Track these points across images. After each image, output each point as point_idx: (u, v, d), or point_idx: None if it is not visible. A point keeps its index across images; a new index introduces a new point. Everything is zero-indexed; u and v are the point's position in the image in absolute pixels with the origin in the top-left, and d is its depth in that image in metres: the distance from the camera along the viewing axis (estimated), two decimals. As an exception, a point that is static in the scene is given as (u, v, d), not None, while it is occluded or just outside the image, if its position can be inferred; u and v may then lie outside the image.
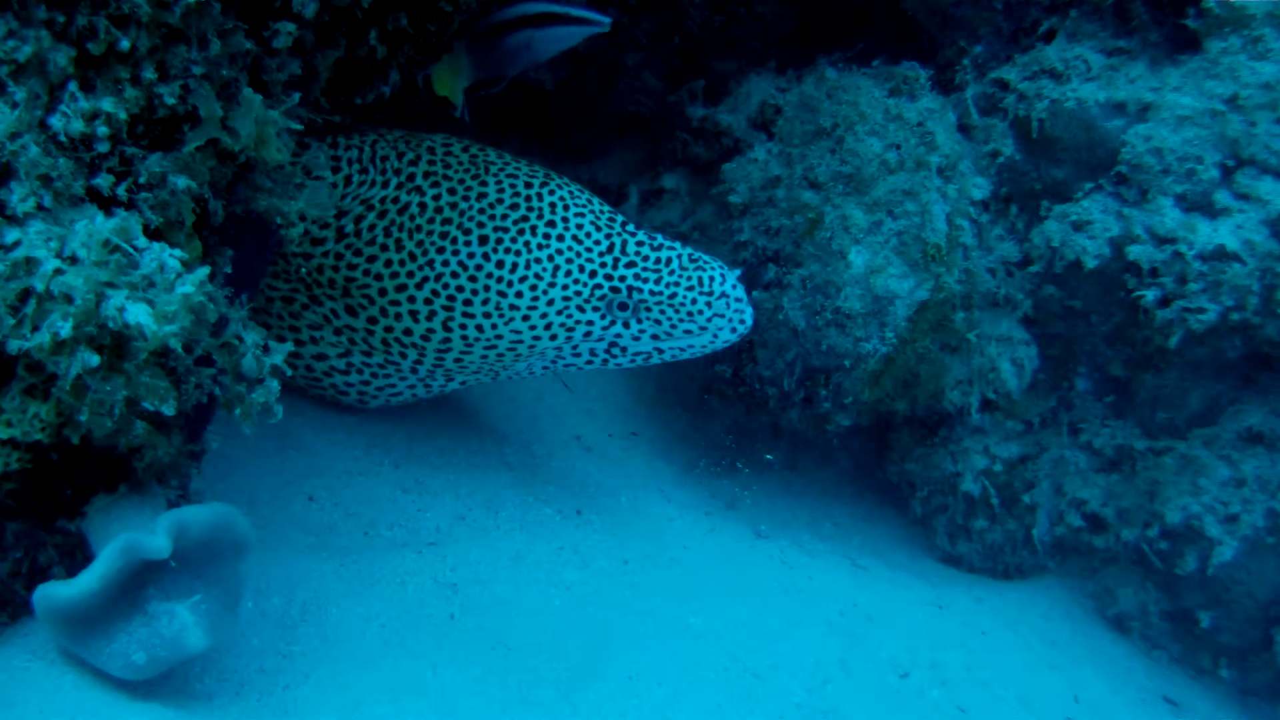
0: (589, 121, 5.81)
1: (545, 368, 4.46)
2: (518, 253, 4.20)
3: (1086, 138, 4.73)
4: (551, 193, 4.28)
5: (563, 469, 4.93)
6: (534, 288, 4.20)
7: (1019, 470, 5.05)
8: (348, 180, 4.32)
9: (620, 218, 4.33)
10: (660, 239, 4.26)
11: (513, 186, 4.28)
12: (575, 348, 4.34)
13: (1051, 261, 4.77)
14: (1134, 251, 4.58)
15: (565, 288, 4.20)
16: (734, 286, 4.21)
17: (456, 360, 4.37)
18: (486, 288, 4.22)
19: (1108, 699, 4.66)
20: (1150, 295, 4.60)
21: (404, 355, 4.40)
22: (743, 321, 4.21)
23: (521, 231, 4.22)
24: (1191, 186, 4.56)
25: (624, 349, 4.33)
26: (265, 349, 3.37)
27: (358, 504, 4.43)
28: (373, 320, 4.36)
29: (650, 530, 4.67)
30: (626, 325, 4.27)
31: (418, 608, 3.99)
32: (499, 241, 4.21)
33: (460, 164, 4.36)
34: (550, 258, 4.20)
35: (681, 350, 4.31)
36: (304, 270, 4.41)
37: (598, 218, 4.27)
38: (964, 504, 5.11)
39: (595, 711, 3.77)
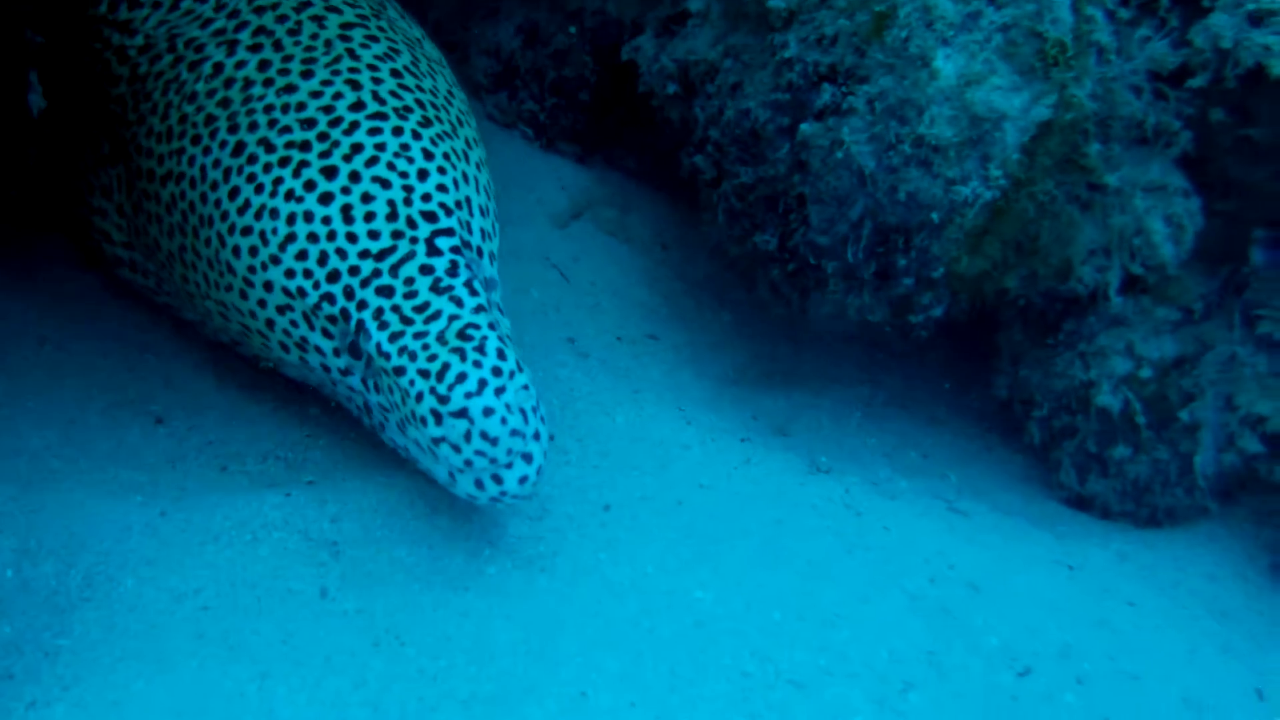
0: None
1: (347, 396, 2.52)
2: (259, 187, 2.34)
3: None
4: (376, 131, 2.36)
5: (539, 380, 2.76)
6: (254, 251, 2.33)
7: (1174, 377, 3.08)
8: (175, 3, 2.62)
9: (461, 219, 2.36)
10: (462, 278, 2.26)
11: (336, 96, 2.40)
12: (332, 380, 2.42)
13: (1220, 72, 2.78)
14: (1340, 51, 2.69)
15: (290, 274, 2.30)
16: (490, 409, 2.14)
17: (212, 313, 2.53)
18: (211, 220, 2.38)
19: (1300, 690, 2.80)
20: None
21: (167, 274, 2.63)
22: (495, 478, 2.17)
23: (285, 162, 2.34)
24: None
25: (382, 424, 2.39)
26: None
27: (226, 428, 2.65)
28: (136, 207, 2.63)
29: (653, 462, 2.74)
30: (366, 386, 2.34)
31: (270, 579, 2.22)
32: (251, 160, 2.36)
33: (318, 34, 2.50)
34: (291, 219, 2.30)
35: (429, 471, 2.32)
36: (101, 114, 2.70)
37: (409, 199, 2.31)
38: (1099, 425, 3.12)
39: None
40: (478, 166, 2.53)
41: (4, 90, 2.29)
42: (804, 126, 2.83)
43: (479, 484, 2.19)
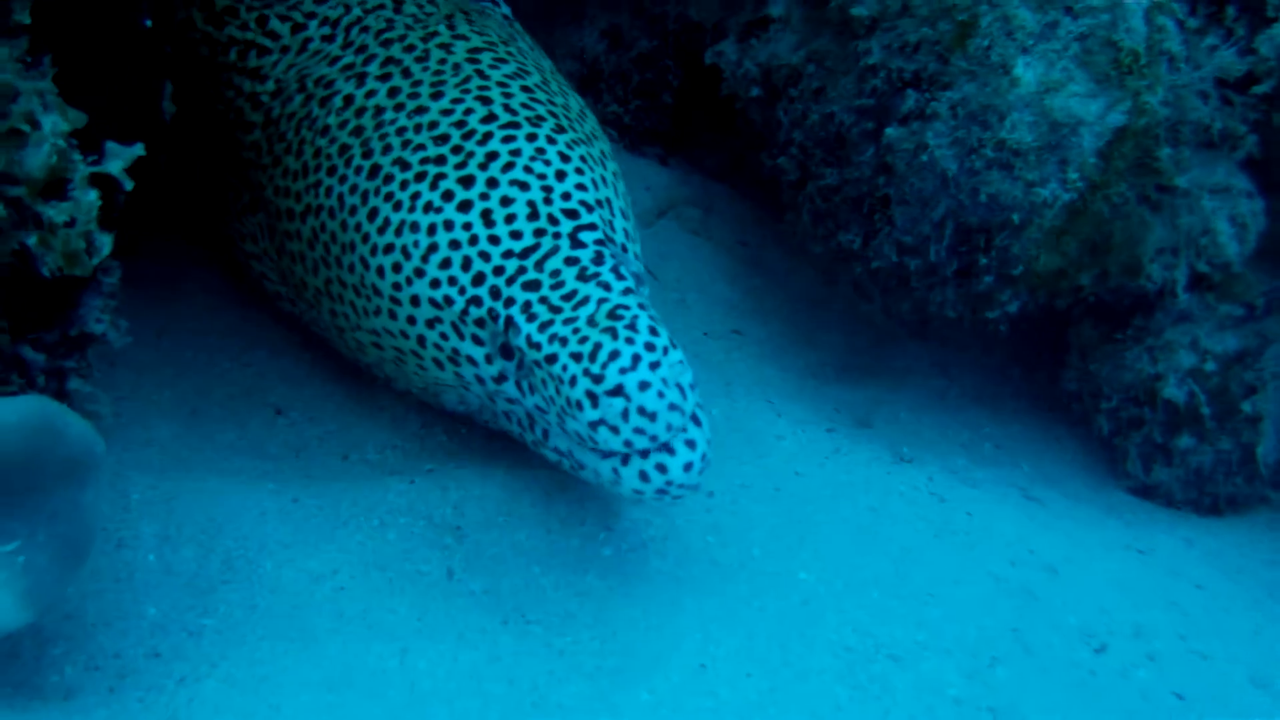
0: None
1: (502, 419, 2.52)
2: (397, 205, 2.35)
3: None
4: (510, 139, 2.36)
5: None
6: (397, 268, 2.34)
7: (1237, 370, 3.15)
8: (303, 45, 2.68)
9: (603, 217, 2.37)
10: (608, 265, 2.28)
11: (468, 112, 2.40)
12: (490, 394, 2.41)
13: (1285, 78, 2.96)
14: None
15: (435, 284, 2.31)
16: (646, 383, 2.11)
17: (365, 345, 2.56)
18: (353, 245, 2.40)
19: (1359, 670, 2.88)
20: None
21: (316, 313, 2.67)
22: (660, 466, 2.13)
23: (421, 177, 2.35)
24: None
25: (545, 432, 2.36)
26: (75, 141, 1.83)
27: (342, 419, 2.75)
28: (280, 250, 2.67)
29: (750, 451, 2.84)
30: (521, 390, 2.32)
31: (400, 561, 2.34)
32: (387, 180, 2.38)
33: (446, 59, 2.53)
34: (432, 229, 2.32)
35: (581, 467, 2.30)
36: (241, 158, 2.75)
37: (549, 199, 2.31)
38: (1165, 416, 3.21)
39: (645, 720, 2.19)
40: (615, 175, 2.55)
41: (142, 96, 2.40)
42: (889, 130, 2.94)
43: (643, 476, 2.16)
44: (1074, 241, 2.87)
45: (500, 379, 2.33)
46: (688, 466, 2.13)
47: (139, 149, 1.86)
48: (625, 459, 2.15)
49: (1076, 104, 2.77)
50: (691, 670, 2.18)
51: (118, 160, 1.83)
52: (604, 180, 2.45)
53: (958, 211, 2.87)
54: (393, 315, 2.39)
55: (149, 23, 1.98)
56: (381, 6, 2.71)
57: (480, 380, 2.37)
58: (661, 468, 2.12)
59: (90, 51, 1.88)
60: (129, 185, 1.85)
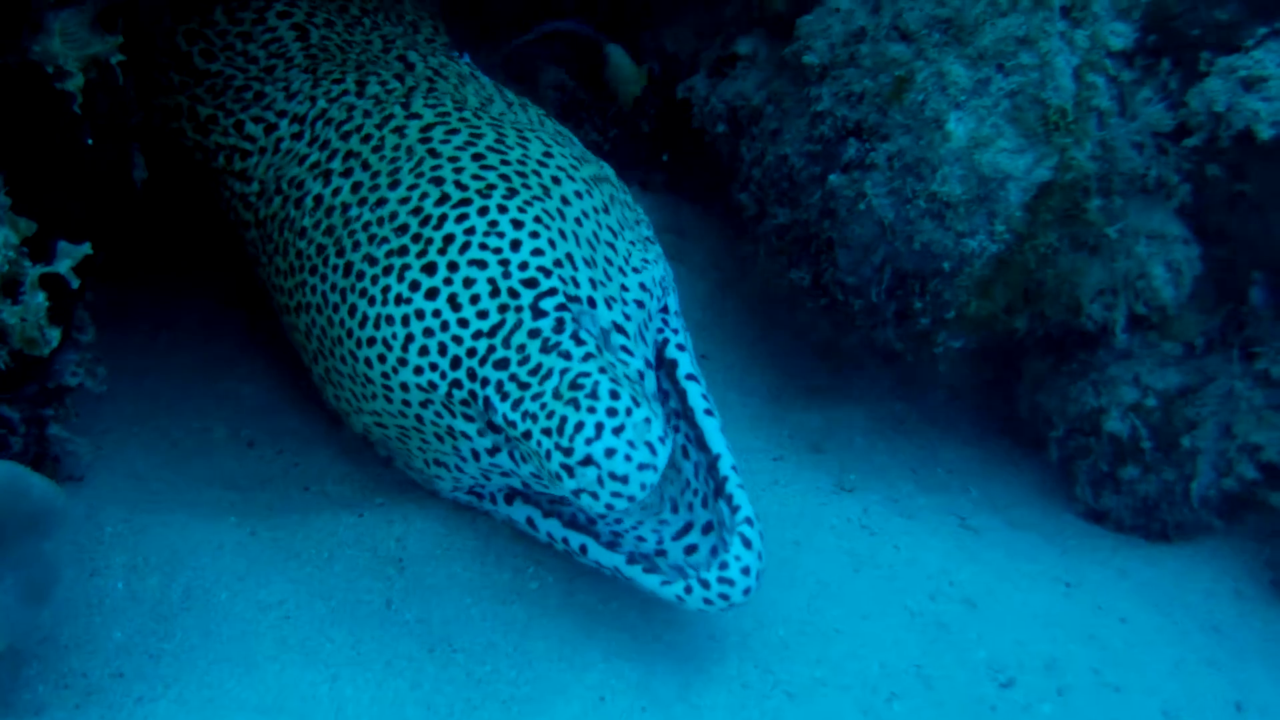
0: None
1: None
2: (371, 300, 2.54)
3: (1259, -37, 3.02)
4: (463, 218, 2.53)
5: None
6: (382, 359, 2.55)
7: (1178, 405, 3.34)
8: (276, 145, 2.90)
9: (564, 275, 2.52)
10: (568, 331, 2.43)
11: (423, 197, 2.58)
12: (484, 470, 2.63)
13: (1215, 132, 3.04)
14: (1324, 116, 2.93)
15: (419, 371, 2.51)
16: (612, 449, 2.28)
17: (370, 427, 2.79)
18: (341, 340, 2.63)
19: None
20: (1342, 179, 2.94)
21: (323, 389, 2.89)
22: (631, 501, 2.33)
23: (388, 270, 2.54)
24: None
25: (538, 487, 2.59)
26: (26, 249, 2.12)
27: (308, 452, 3.07)
28: (288, 338, 2.94)
29: None
30: (514, 460, 2.53)
31: (343, 591, 2.65)
32: (359, 277, 2.58)
33: (399, 144, 2.71)
34: (405, 320, 2.51)
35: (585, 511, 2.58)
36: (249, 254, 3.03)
37: (507, 272, 2.47)
38: (1110, 447, 3.41)
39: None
40: (578, 220, 2.68)
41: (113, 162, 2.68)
42: (832, 177, 3.16)
43: (640, 538, 2.47)
44: (1003, 289, 3.07)
45: (494, 450, 2.55)
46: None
47: (86, 248, 2.14)
48: (609, 509, 2.33)
49: (1005, 159, 2.96)
50: (591, 702, 2.47)
51: (67, 260, 2.12)
52: (563, 234, 2.60)
53: (894, 258, 3.08)
54: (388, 400, 2.63)
55: (90, 141, 2.26)
56: (346, 93, 2.93)
57: (476, 454, 2.59)
58: (625, 495, 2.30)
59: (41, 160, 2.17)
60: (75, 284, 2.13)
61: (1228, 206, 3.16)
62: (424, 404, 2.56)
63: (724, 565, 2.34)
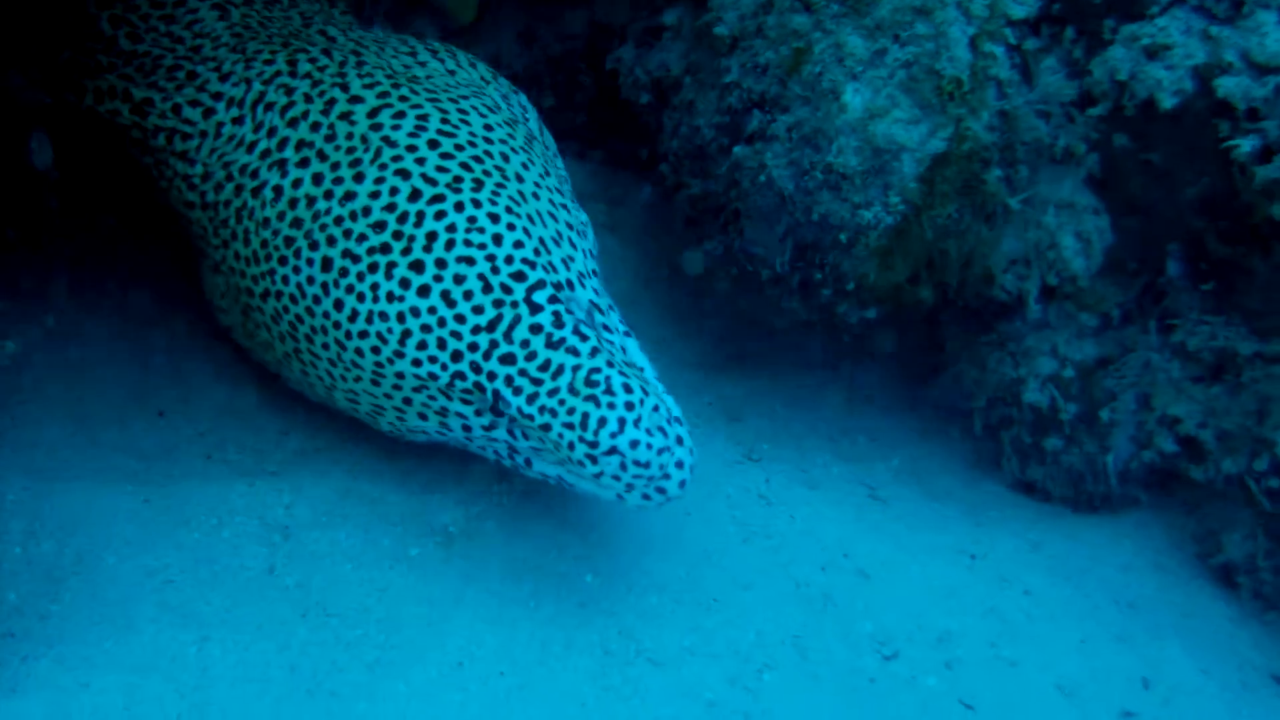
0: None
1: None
2: (360, 296, 2.69)
3: (1161, -71, 3.09)
4: (441, 215, 2.68)
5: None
6: (376, 350, 2.70)
7: (1098, 377, 3.38)
8: (217, 130, 3.00)
9: (545, 263, 2.69)
10: (569, 325, 2.60)
11: (393, 192, 2.72)
12: (470, 438, 2.82)
13: (1120, 101, 3.07)
14: (1224, 85, 2.89)
15: (417, 363, 2.67)
16: (636, 440, 2.52)
17: (336, 398, 2.95)
18: (324, 329, 2.78)
19: (1192, 681, 3.05)
20: (1246, 146, 2.90)
21: (284, 368, 3.05)
22: (659, 490, 2.56)
23: (374, 268, 2.69)
24: (1306, -5, 2.89)
25: (528, 461, 2.77)
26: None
27: (215, 421, 3.21)
28: (245, 314, 3.05)
29: None
30: (513, 435, 2.72)
31: (227, 557, 2.80)
32: (343, 273, 2.72)
33: (352, 133, 2.82)
34: (401, 317, 2.67)
35: (593, 495, 2.73)
36: (192, 231, 3.15)
37: (495, 268, 2.64)
38: (1031, 417, 3.47)
39: (401, 715, 2.54)
40: (535, 196, 2.83)
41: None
42: (737, 149, 3.24)
43: (646, 497, 2.61)
44: (902, 260, 3.13)
45: (491, 428, 2.74)
46: (681, 484, 2.59)
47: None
48: (629, 487, 2.59)
49: (899, 130, 3.02)
50: (450, 665, 2.61)
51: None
52: (533, 219, 2.76)
53: (795, 229, 3.15)
54: (375, 383, 2.80)
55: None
56: (279, 74, 3.04)
57: (467, 429, 2.79)
58: (661, 490, 2.58)
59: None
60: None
61: (1137, 176, 3.17)
62: (417, 389, 2.74)
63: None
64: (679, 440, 2.57)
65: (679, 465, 2.55)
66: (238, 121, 3.00)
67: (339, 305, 2.72)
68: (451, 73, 3.16)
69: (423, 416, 2.80)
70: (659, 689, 2.65)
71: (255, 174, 2.90)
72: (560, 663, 2.64)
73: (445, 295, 2.63)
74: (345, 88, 2.93)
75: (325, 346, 2.79)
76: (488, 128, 2.90)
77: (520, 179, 2.82)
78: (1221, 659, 3.17)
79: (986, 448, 3.66)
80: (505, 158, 2.84)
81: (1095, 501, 3.53)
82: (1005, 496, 3.57)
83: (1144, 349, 3.32)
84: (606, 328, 2.75)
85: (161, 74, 3.16)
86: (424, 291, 2.64)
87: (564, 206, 2.89)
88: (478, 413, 2.71)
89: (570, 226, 2.86)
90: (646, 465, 2.54)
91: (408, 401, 2.78)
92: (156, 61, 3.19)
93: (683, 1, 3.66)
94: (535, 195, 2.81)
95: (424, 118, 2.86)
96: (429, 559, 2.83)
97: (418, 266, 2.65)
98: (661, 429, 2.56)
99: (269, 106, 2.97)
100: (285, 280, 2.81)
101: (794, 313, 3.35)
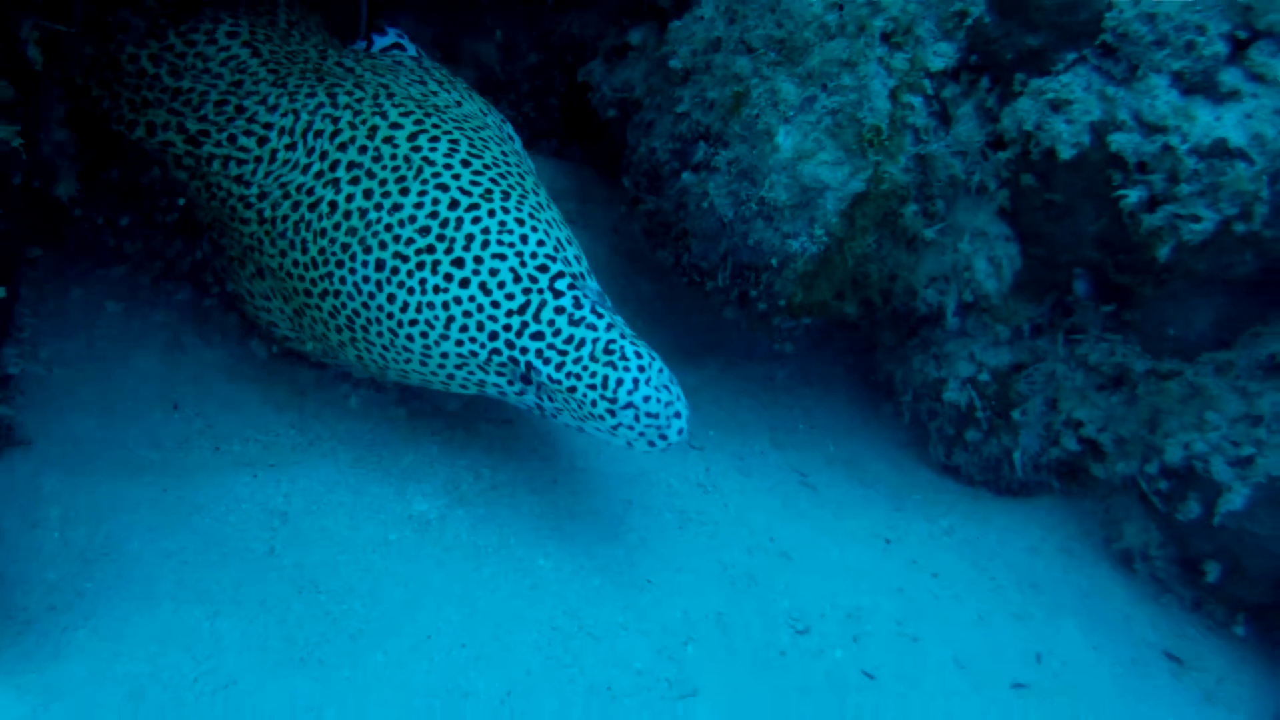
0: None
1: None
2: (410, 290, 3.30)
3: (1065, -5, 3.58)
4: (477, 220, 3.29)
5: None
6: (425, 335, 3.32)
7: (1012, 380, 3.92)
8: (272, 156, 3.55)
9: (562, 258, 3.31)
10: (587, 306, 3.23)
11: (435, 203, 3.32)
12: (502, 395, 3.47)
13: (1026, 147, 3.56)
14: (1117, 141, 3.36)
15: (460, 344, 3.30)
16: (648, 396, 3.14)
17: (389, 374, 3.59)
18: (379, 320, 3.38)
19: (1083, 656, 3.59)
20: (1134, 196, 3.38)
21: (338, 354, 3.66)
22: (662, 436, 3.19)
23: (421, 265, 3.29)
24: (1191, 63, 3.29)
25: (554, 414, 3.40)
26: None
27: (223, 415, 3.77)
28: (299, 313, 3.62)
29: (545, 445, 3.82)
30: (540, 398, 3.36)
31: (234, 540, 3.37)
32: (394, 271, 3.32)
33: (395, 154, 3.41)
34: (445, 305, 3.27)
35: (608, 441, 3.37)
36: (243, 244, 3.69)
37: (524, 261, 3.25)
38: (952, 412, 4.03)
39: (378, 679, 3.13)
40: (547, 206, 3.46)
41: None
42: (685, 175, 3.74)
43: (651, 443, 3.25)
44: (826, 283, 3.66)
45: (521, 393, 3.39)
46: (680, 431, 3.22)
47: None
48: (640, 435, 3.22)
49: (824, 171, 3.50)
50: (420, 638, 3.18)
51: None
52: (550, 223, 3.38)
53: (734, 251, 3.67)
54: (424, 363, 3.43)
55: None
56: (322, 104, 3.58)
57: (502, 393, 3.44)
58: (664, 436, 3.19)
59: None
60: (3, 293, 2.83)
61: (1042, 212, 3.66)
62: (459, 365, 3.37)
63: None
64: (678, 397, 3.22)
65: (677, 415, 3.18)
66: (290, 148, 3.55)
67: (391, 299, 3.33)
68: (459, 104, 3.80)
69: (464, 387, 3.47)
70: (595, 659, 3.22)
71: (311, 191, 3.47)
72: (512, 637, 3.22)
73: (483, 286, 3.25)
74: (384, 115, 3.52)
75: (379, 335, 3.42)
76: (503, 153, 3.55)
77: (536, 193, 3.48)
78: (1115, 636, 3.71)
79: (917, 432, 4.22)
80: (522, 176, 3.49)
81: (1014, 486, 4.09)
82: (932, 481, 4.13)
83: (1052, 359, 3.86)
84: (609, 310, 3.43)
85: (210, 108, 3.70)
86: (465, 284, 3.26)
87: (560, 220, 3.53)
88: (509, 382, 3.34)
89: (572, 237, 3.52)
90: (656, 416, 3.15)
91: (450, 377, 3.43)
92: (203, 96, 3.72)
93: (650, 22, 4.15)
94: (548, 206, 3.47)
95: (455, 142, 3.48)
96: (405, 543, 3.40)
97: (459, 263, 3.26)
98: (666, 387, 3.20)
99: (318, 134, 3.53)
100: (343, 281, 3.40)
101: (738, 319, 3.87)
